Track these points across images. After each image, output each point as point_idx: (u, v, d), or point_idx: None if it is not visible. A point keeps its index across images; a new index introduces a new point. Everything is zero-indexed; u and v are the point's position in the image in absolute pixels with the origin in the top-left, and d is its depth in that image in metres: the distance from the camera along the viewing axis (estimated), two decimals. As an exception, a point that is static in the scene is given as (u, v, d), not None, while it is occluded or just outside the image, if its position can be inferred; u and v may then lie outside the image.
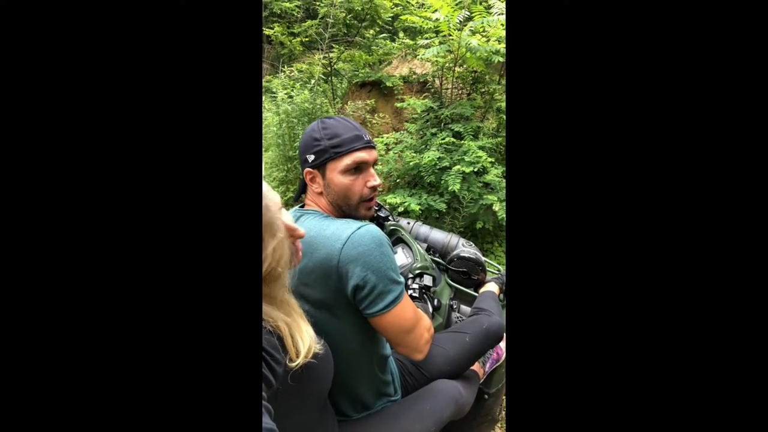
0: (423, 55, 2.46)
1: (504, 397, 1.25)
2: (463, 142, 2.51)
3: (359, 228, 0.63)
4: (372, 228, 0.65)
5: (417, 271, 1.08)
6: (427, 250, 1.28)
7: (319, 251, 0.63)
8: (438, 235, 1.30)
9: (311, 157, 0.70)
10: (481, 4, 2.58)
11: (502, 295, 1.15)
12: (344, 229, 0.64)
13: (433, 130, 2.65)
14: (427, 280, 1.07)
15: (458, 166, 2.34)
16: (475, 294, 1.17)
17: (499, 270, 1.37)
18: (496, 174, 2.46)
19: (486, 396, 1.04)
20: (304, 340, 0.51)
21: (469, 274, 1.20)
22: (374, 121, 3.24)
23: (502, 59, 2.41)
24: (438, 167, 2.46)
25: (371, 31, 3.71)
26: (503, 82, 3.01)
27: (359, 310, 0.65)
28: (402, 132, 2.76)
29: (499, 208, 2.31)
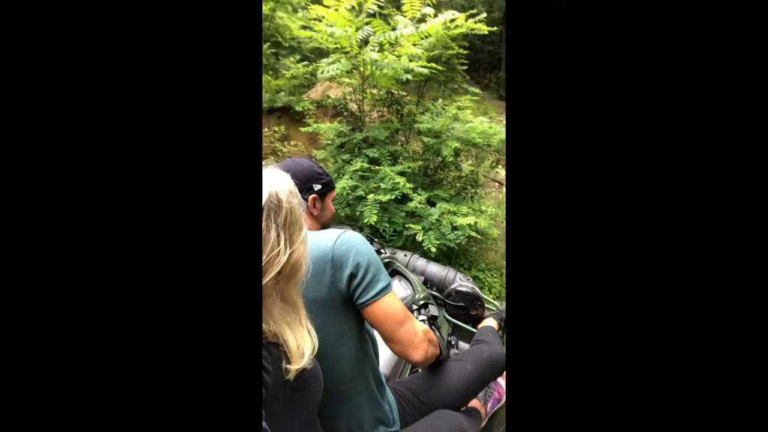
0: (324, 73, 2.17)
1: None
2: (379, 168, 2.22)
3: (345, 231, 0.70)
4: (355, 231, 0.72)
5: (421, 302, 1.07)
6: (424, 283, 1.26)
7: (312, 252, 0.64)
8: (435, 269, 1.30)
9: (317, 186, 0.84)
10: (383, 17, 2.38)
11: (501, 332, 1.12)
12: (332, 232, 0.70)
13: (345, 157, 2.34)
14: (434, 310, 1.04)
15: (373, 195, 2.02)
16: (474, 330, 1.16)
17: (497, 306, 1.33)
18: (419, 201, 2.19)
19: None
20: (306, 343, 0.52)
21: (467, 309, 1.19)
22: (285, 150, 2.87)
23: (411, 77, 2.20)
24: (352, 197, 2.12)
25: (276, 52, 3.40)
26: (426, 103, 2.83)
27: (353, 302, 0.68)
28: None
29: (425, 239, 2.01)
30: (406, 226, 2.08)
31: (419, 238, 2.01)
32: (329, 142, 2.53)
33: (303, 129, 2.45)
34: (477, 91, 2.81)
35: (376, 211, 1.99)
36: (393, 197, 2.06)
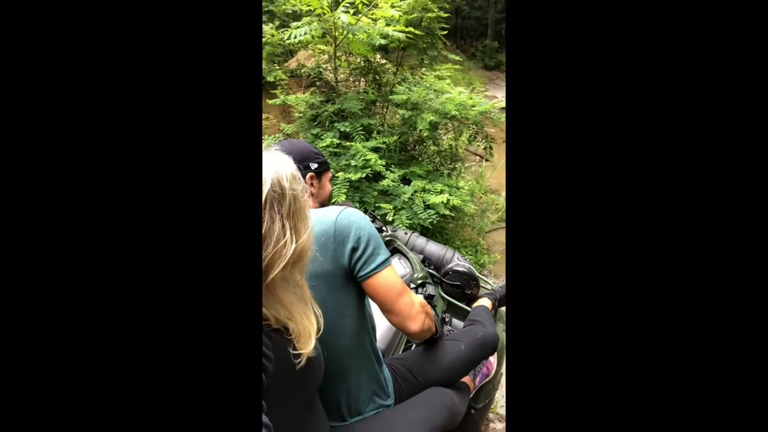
0: (291, 38, 2.01)
1: (494, 412, 1.33)
2: (351, 143, 2.11)
3: (346, 208, 0.73)
4: (355, 208, 0.74)
5: (419, 281, 1.09)
6: (423, 261, 1.28)
7: (315, 228, 0.66)
8: (434, 248, 1.31)
9: (314, 165, 0.86)
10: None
11: (494, 312, 1.15)
12: (333, 209, 0.72)
13: (315, 131, 2.22)
14: (431, 290, 1.08)
15: (343, 173, 1.94)
16: (468, 308, 1.18)
17: (491, 286, 1.35)
18: (392, 179, 2.10)
19: (473, 411, 1.04)
20: (313, 324, 0.53)
21: (462, 288, 1.21)
22: (257, 124, 2.73)
23: (385, 42, 2.05)
24: (322, 175, 2.03)
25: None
26: (405, 72, 2.67)
27: (354, 276, 0.70)
28: (276, 136, 2.29)
29: (396, 218, 1.95)
30: (377, 205, 2.01)
31: (390, 217, 1.95)
32: (300, 114, 2.40)
33: (270, 101, 2.30)
34: (458, 58, 2.64)
35: (345, 191, 1.91)
36: (364, 175, 1.97)
